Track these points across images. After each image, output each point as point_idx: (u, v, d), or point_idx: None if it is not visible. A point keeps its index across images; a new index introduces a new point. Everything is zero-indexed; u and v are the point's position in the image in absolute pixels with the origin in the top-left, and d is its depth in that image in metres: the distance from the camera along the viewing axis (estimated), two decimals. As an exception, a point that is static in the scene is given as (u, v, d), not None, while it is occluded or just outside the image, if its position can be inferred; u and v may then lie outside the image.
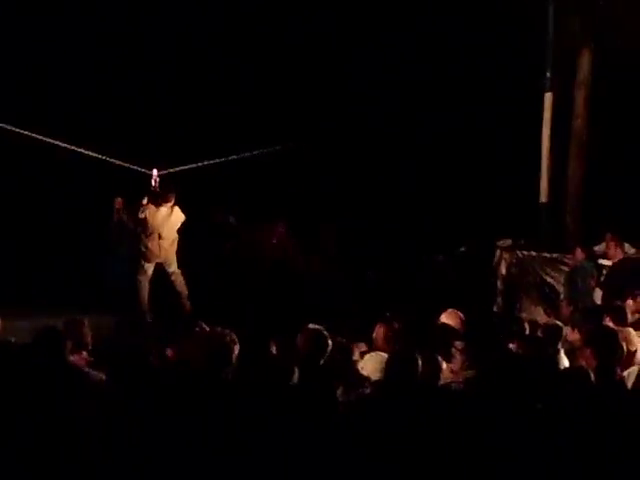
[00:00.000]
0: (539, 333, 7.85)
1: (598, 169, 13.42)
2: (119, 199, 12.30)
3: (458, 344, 7.48)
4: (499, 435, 5.20)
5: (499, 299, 12.35)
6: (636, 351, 7.24)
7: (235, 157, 12.67)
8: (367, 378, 6.26)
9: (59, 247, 12.87)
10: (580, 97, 13.53)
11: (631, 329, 7.62)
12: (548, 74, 12.74)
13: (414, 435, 5.21)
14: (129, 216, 12.16)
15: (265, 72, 14.22)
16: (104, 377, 5.44)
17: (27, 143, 11.56)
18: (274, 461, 5.03)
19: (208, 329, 6.51)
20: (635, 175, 13.67)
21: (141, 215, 11.65)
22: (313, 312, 9.40)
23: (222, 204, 13.35)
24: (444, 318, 7.82)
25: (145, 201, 11.72)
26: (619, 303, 8.85)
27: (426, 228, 13.35)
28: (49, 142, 11.56)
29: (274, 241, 13.06)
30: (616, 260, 11.29)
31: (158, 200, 11.64)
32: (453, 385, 6.34)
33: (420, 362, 5.89)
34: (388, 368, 5.94)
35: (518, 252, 12.52)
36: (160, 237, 11.67)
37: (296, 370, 5.56)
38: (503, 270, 12.39)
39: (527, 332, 7.98)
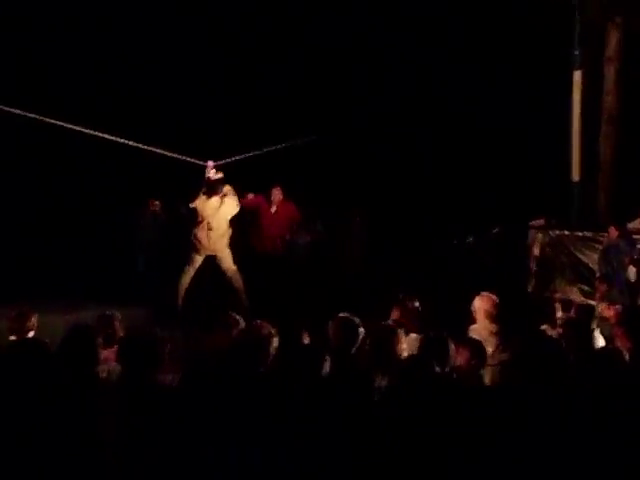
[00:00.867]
0: (572, 313, 7.81)
1: (630, 145, 13.28)
2: (156, 202, 12.36)
3: (493, 327, 7.47)
4: (534, 420, 5.16)
5: (533, 280, 12.29)
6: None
7: (278, 147, 12.67)
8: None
9: (91, 241, 12.94)
10: (610, 73, 13.41)
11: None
12: (576, 52, 12.62)
13: (444, 423, 5.18)
14: (166, 211, 12.22)
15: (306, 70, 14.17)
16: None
17: (80, 137, 11.60)
18: (309, 452, 5.04)
19: (244, 322, 6.53)
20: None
21: (192, 204, 11.76)
22: (345, 299, 9.40)
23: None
24: (477, 301, 7.77)
25: (202, 192, 11.81)
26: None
27: (458, 211, 13.30)
28: (104, 137, 11.60)
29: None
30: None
31: (210, 190, 11.72)
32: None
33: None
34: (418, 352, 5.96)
35: (551, 232, 12.44)
36: (209, 227, 11.72)
37: (328, 359, 5.52)
38: (536, 251, 12.30)
39: (561, 312, 7.94)
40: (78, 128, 11.13)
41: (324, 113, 14.03)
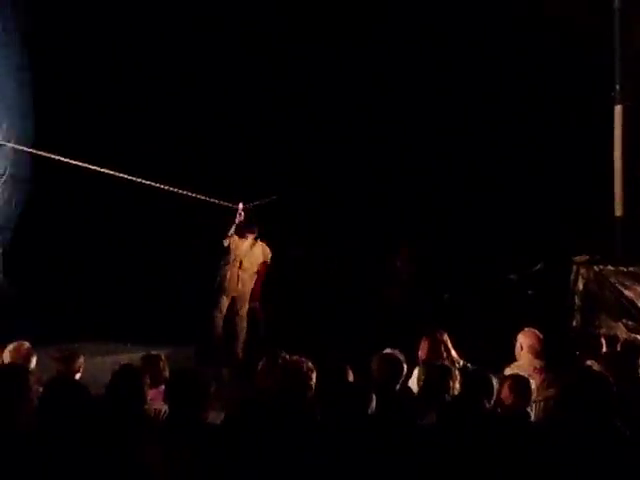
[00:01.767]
0: (618, 348, 7.74)
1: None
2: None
3: (537, 362, 7.43)
4: (583, 456, 5.11)
5: (577, 315, 12.18)
6: None
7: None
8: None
9: (138, 281, 12.99)
10: (651, 107, 13.31)
11: None
12: (617, 86, 12.58)
13: (494, 460, 5.14)
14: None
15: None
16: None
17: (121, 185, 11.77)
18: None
19: (286, 358, 6.54)
20: None
21: (225, 243, 11.84)
22: (389, 336, 9.38)
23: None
24: (521, 337, 7.75)
25: (231, 232, 11.90)
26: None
27: (501, 247, 13.22)
28: (144, 183, 11.77)
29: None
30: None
31: (243, 231, 11.82)
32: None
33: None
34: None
35: (595, 267, 12.34)
36: (241, 267, 11.81)
37: (374, 397, 5.50)
38: (580, 286, 12.20)
39: (605, 348, 7.88)
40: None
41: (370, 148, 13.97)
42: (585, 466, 5.04)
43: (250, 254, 11.94)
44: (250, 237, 11.96)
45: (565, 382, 5.97)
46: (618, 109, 12.58)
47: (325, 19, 13.69)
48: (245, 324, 12.00)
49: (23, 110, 12.11)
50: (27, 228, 12.19)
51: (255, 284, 12.19)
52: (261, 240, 12.17)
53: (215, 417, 5.57)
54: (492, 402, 5.97)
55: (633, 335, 9.20)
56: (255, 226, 12.01)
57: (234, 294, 11.91)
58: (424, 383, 6.30)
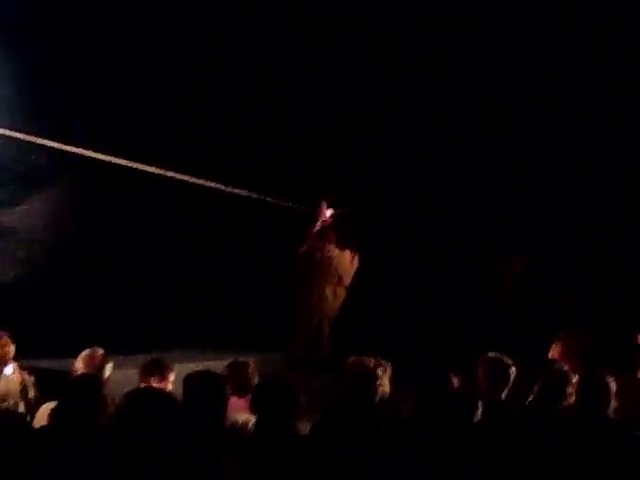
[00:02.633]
0: None
1: None
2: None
3: None
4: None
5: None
6: None
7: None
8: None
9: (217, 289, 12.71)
10: None
11: None
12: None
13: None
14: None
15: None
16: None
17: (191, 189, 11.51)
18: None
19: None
20: None
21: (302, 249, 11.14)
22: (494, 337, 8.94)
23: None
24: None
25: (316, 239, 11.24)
26: None
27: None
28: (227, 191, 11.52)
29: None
30: None
31: (338, 241, 11.10)
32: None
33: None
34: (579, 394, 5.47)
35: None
36: (340, 283, 11.06)
37: (480, 405, 5.03)
38: None
39: None
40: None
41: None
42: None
43: (351, 269, 11.13)
44: (348, 249, 11.10)
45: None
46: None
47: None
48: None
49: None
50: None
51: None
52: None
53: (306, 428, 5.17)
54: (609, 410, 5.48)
55: None
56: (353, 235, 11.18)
57: (329, 313, 11.19)
58: (540, 389, 5.81)
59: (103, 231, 11.69)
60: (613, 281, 11.85)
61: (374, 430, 4.87)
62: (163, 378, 6.40)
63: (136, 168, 11.02)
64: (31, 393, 7.26)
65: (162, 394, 5.07)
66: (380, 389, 5.58)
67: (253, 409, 5.19)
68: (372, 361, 5.66)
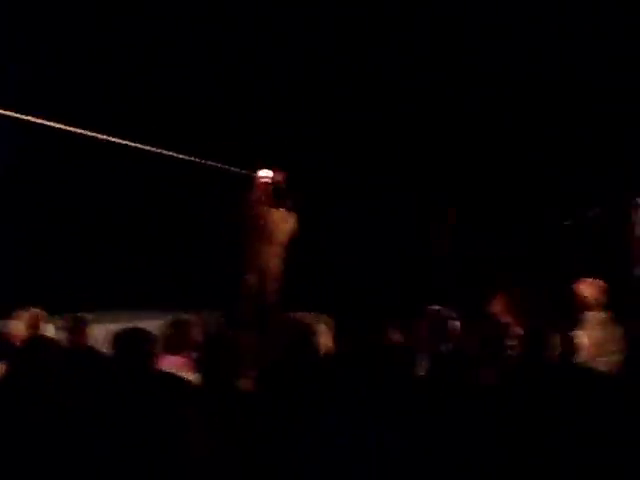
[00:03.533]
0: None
1: None
2: None
3: (602, 315, 7.06)
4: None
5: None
6: None
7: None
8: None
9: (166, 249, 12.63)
10: None
11: None
12: None
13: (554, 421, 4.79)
14: None
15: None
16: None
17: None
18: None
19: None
20: None
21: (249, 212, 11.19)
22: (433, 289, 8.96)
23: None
24: (583, 288, 7.33)
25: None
26: None
27: (554, 193, 12.57)
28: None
29: None
30: None
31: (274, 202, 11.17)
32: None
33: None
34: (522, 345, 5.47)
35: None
36: (271, 241, 11.11)
37: (420, 358, 5.04)
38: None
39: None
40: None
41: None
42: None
43: (282, 227, 11.14)
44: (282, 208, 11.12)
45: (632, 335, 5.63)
46: None
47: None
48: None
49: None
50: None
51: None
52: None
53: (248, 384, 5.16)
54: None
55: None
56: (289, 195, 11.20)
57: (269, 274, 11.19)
58: (480, 342, 5.82)
59: (27, 191, 11.61)
60: (552, 235, 11.97)
61: (317, 384, 4.89)
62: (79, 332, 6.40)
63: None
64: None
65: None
66: (321, 344, 5.54)
67: (198, 366, 5.14)
68: (310, 316, 5.63)
